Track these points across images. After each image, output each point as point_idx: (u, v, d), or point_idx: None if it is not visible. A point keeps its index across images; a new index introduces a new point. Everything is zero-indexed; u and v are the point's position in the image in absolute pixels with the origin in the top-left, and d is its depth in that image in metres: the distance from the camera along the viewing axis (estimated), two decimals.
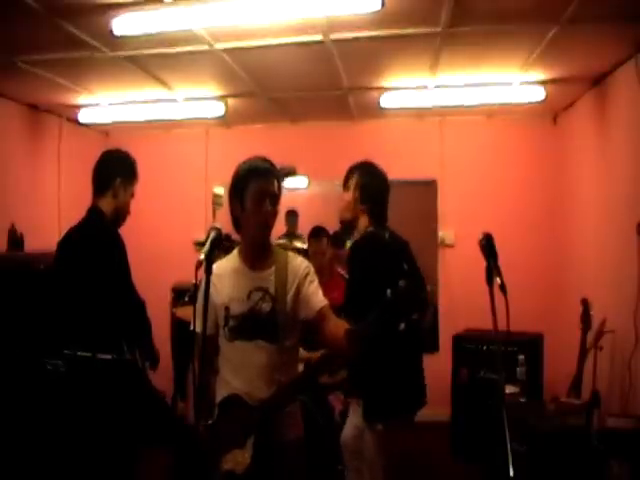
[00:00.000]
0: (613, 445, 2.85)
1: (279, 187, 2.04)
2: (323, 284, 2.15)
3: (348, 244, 4.82)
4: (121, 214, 2.70)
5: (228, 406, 2.01)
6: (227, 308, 2.04)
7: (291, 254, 2.15)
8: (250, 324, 2.02)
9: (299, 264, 2.10)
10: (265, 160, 2.07)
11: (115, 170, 2.68)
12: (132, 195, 2.74)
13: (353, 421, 2.64)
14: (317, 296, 2.06)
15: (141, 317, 2.68)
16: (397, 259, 2.52)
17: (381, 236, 2.56)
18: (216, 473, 1.92)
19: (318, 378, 2.07)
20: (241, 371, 2.03)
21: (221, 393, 2.06)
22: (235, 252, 2.13)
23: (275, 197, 2.02)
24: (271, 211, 2.02)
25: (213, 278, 2.05)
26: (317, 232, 3.99)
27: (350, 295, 2.55)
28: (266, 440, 1.92)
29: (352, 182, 2.67)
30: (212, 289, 2.05)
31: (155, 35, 3.06)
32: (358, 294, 2.46)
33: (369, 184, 2.66)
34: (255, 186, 1.98)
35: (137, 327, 2.63)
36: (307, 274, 2.08)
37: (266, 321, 2.00)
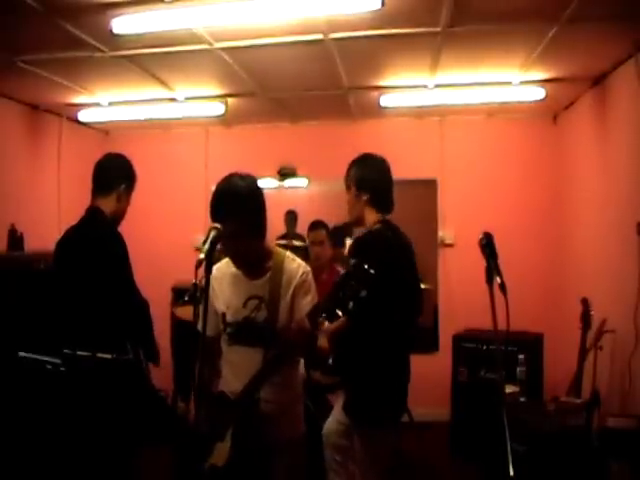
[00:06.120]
0: (613, 445, 2.85)
1: (237, 221, 1.98)
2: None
3: (348, 242, 4.84)
4: (119, 218, 2.73)
5: (213, 403, 2.05)
6: (224, 315, 2.07)
7: (288, 257, 2.12)
8: (246, 332, 2.04)
9: (295, 269, 2.09)
10: (231, 183, 2.07)
11: (121, 175, 2.73)
12: (129, 203, 2.78)
13: (337, 416, 2.65)
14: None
15: (144, 316, 2.69)
16: (398, 258, 2.50)
17: (384, 234, 2.51)
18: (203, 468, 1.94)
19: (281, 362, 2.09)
20: (240, 373, 2.05)
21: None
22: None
23: (231, 239, 1.96)
24: (233, 249, 2.02)
25: (213, 281, 2.03)
26: (314, 224, 4.14)
27: None
28: (248, 433, 1.94)
29: (350, 179, 2.65)
30: (212, 293, 2.06)
31: (155, 35, 3.06)
32: None
33: (365, 174, 2.62)
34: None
35: (140, 326, 2.63)
36: (303, 282, 2.07)
37: (262, 329, 2.02)
